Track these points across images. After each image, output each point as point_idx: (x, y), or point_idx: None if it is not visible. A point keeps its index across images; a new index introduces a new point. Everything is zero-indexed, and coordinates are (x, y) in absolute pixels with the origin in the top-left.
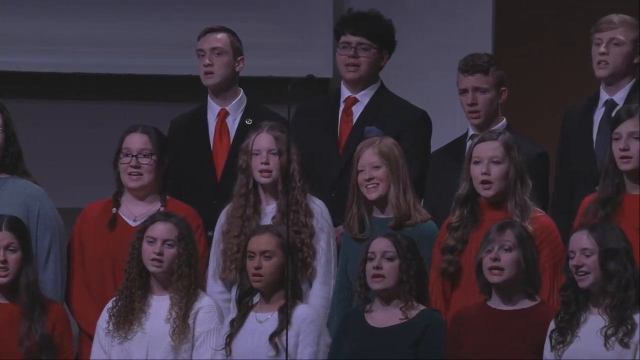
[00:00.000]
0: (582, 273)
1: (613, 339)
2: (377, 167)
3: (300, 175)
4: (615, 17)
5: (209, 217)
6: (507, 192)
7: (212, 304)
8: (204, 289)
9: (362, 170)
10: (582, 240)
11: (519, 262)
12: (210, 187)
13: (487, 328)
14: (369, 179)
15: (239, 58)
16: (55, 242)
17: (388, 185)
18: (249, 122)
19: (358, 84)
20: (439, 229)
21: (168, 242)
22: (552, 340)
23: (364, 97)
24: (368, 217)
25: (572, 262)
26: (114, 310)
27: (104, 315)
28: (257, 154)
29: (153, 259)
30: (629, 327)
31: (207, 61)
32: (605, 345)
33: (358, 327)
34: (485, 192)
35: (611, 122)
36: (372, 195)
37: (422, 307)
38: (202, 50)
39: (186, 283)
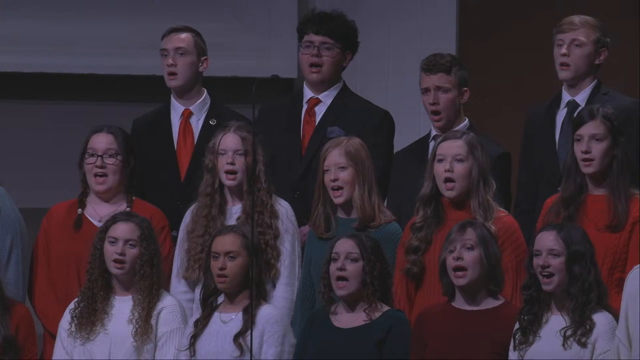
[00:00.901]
0: (546, 274)
1: (571, 339)
2: (343, 168)
3: (266, 177)
4: (577, 18)
5: (173, 217)
6: (470, 191)
7: (175, 303)
8: (168, 289)
9: (328, 171)
10: (549, 240)
11: (481, 260)
12: (174, 188)
13: (452, 328)
14: (334, 180)
15: (202, 58)
16: (16, 243)
17: (353, 187)
18: (213, 122)
19: (321, 85)
20: (402, 230)
21: (130, 242)
22: (516, 340)
23: (326, 98)
24: (333, 216)
25: (537, 261)
26: (76, 311)
27: (66, 317)
28: (223, 154)
29: (115, 260)
30: (587, 327)
31: (170, 61)
32: (563, 345)
33: (323, 327)
34: (449, 193)
35: (573, 123)
36: (339, 200)
37: (386, 308)
38: (165, 50)
39: (148, 283)
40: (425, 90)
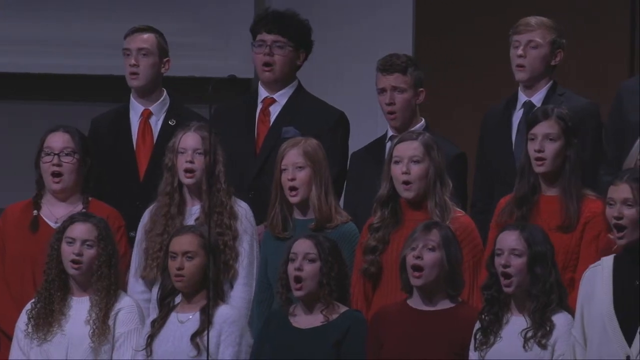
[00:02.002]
0: (506, 276)
1: (532, 340)
2: (300, 168)
3: (226, 177)
4: (533, 20)
5: (132, 218)
6: (427, 192)
7: (132, 304)
8: (125, 290)
9: (285, 170)
10: (512, 240)
11: (441, 262)
12: (133, 188)
13: (408, 328)
14: (291, 180)
15: (165, 59)
16: None
17: (310, 187)
18: (172, 122)
19: (275, 84)
20: (358, 231)
21: (87, 243)
22: (477, 340)
23: (281, 98)
24: (290, 217)
25: (499, 261)
26: (33, 312)
27: (23, 317)
28: (182, 153)
29: (72, 260)
30: (548, 328)
31: (132, 61)
32: (524, 346)
33: (281, 328)
34: (406, 194)
35: (527, 122)
36: (294, 200)
37: (344, 308)
38: (128, 49)
39: (106, 284)
40: (382, 91)
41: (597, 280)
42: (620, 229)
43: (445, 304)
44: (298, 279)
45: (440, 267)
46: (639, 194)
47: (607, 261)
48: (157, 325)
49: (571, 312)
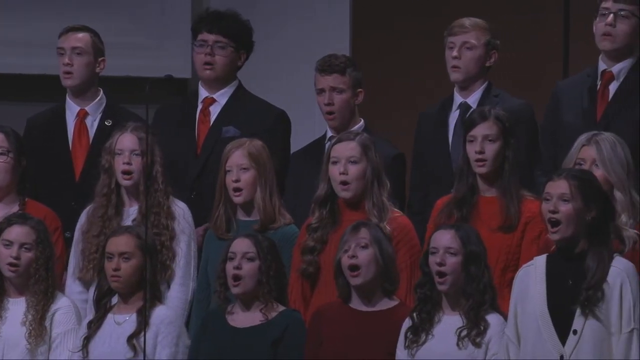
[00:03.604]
0: (441, 274)
1: (466, 339)
2: (245, 169)
3: (164, 178)
4: (467, 21)
5: (68, 218)
6: (364, 192)
7: (69, 304)
8: (62, 291)
9: (230, 171)
10: (447, 239)
11: (376, 258)
12: (69, 189)
13: (347, 328)
14: (236, 181)
15: (100, 59)
16: None
17: (255, 188)
18: (108, 123)
19: (215, 84)
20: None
21: (25, 246)
22: (407, 339)
23: (221, 97)
24: (234, 218)
25: (433, 259)
26: None
27: None
28: (119, 154)
29: (9, 264)
30: (482, 327)
31: (67, 60)
32: (458, 344)
33: (218, 327)
34: (344, 194)
35: (465, 124)
36: (238, 200)
37: (282, 308)
38: (62, 48)
39: (44, 287)
40: (320, 91)
41: (531, 280)
42: (555, 224)
43: (383, 305)
44: (237, 278)
45: (375, 263)
46: (576, 190)
47: (540, 260)
48: (94, 326)
49: (503, 314)
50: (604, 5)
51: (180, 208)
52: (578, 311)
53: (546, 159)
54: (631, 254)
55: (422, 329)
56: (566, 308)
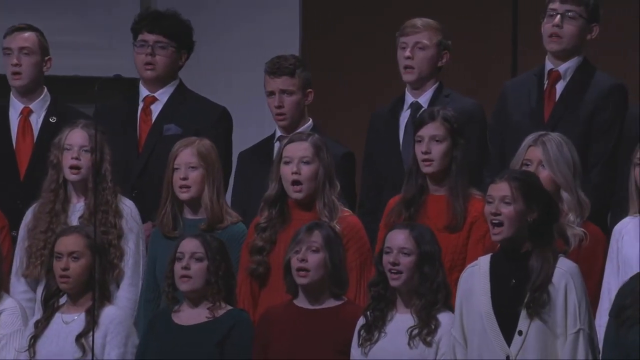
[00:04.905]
0: (395, 272)
1: (417, 338)
2: (193, 168)
3: (112, 176)
4: (419, 21)
5: (13, 217)
6: (316, 192)
7: (15, 305)
8: (7, 291)
9: (178, 169)
10: (401, 239)
11: (325, 263)
12: (13, 187)
13: (294, 327)
14: (184, 179)
15: (46, 58)
16: None
17: (202, 187)
18: (53, 120)
19: (156, 83)
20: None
21: None
22: (360, 337)
23: (162, 96)
24: (180, 216)
25: (387, 259)
26: None
27: None
28: (68, 149)
29: None
30: (433, 326)
31: (14, 60)
32: (409, 343)
33: (165, 326)
34: (296, 195)
35: (414, 124)
36: (184, 196)
37: (229, 307)
38: (9, 48)
39: None
40: (270, 94)
41: (475, 280)
42: (497, 225)
43: (330, 303)
44: (185, 277)
45: (324, 268)
46: (517, 192)
47: (484, 260)
48: (41, 325)
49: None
50: (551, 6)
51: (127, 206)
52: (523, 312)
53: (494, 159)
54: (577, 252)
55: (375, 327)
56: (511, 308)
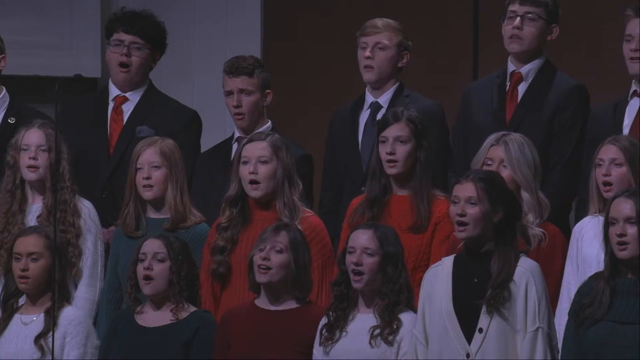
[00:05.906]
0: (357, 272)
1: (379, 337)
2: (157, 167)
3: (70, 175)
4: (380, 22)
5: None
6: (275, 192)
7: None
8: None
9: (140, 169)
10: (364, 239)
11: (288, 265)
12: None
13: (255, 328)
14: (147, 178)
15: (1, 57)
16: None
17: (165, 186)
18: (11, 120)
19: (129, 84)
20: None
21: None
22: (321, 337)
23: (133, 96)
24: (143, 216)
25: (350, 259)
26: None
27: None
28: (25, 149)
29: None
30: (395, 326)
31: None
32: (370, 343)
33: (128, 327)
34: (254, 193)
35: (378, 125)
36: (148, 195)
37: (193, 309)
38: None
39: None
40: (229, 93)
41: (438, 279)
42: (462, 225)
43: (292, 304)
44: (147, 278)
45: (286, 269)
46: (483, 192)
47: (448, 261)
48: (0, 326)
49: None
50: (511, 8)
51: (85, 207)
52: (484, 309)
53: (459, 161)
54: (536, 252)
55: (336, 326)
56: (472, 306)
